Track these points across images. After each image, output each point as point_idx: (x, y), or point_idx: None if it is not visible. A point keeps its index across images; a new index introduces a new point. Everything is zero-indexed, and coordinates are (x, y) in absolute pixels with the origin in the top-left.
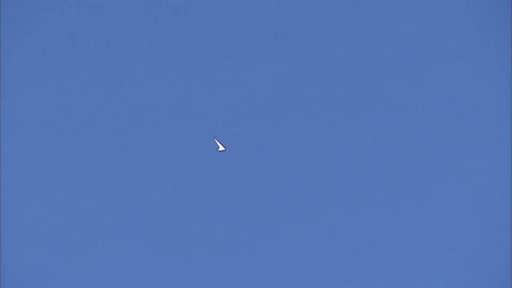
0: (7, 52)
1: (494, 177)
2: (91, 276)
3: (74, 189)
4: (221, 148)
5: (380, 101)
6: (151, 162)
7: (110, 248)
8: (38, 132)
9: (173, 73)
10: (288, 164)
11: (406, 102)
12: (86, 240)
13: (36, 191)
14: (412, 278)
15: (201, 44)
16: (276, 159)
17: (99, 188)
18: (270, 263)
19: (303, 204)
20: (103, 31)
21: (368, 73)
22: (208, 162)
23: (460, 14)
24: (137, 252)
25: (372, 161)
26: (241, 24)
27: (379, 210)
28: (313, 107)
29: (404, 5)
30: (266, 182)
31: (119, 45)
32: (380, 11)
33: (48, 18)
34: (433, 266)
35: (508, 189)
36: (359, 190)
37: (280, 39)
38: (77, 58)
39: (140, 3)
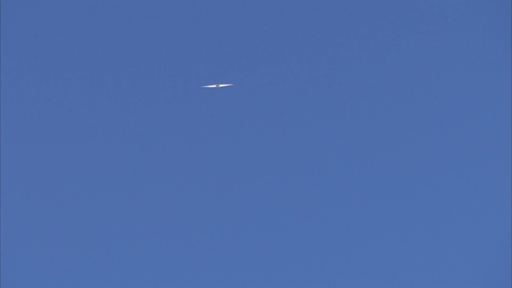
0: (7, 52)
1: (494, 177)
2: (91, 276)
3: (74, 189)
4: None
5: (379, 100)
6: (151, 162)
7: (110, 248)
8: (38, 132)
9: (174, 73)
10: (289, 166)
11: (406, 102)
12: (86, 240)
13: (36, 192)
14: (412, 279)
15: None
16: (277, 160)
17: (99, 188)
18: (270, 266)
19: (303, 205)
20: (102, 31)
21: (367, 73)
22: (206, 162)
23: (460, 13)
24: (138, 253)
25: (371, 160)
26: (239, 24)
27: (378, 210)
28: (313, 107)
29: (404, 4)
30: (266, 184)
31: (118, 46)
32: (379, 10)
33: (47, 17)
34: (433, 266)
35: (508, 189)
36: (358, 190)
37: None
38: (77, 59)
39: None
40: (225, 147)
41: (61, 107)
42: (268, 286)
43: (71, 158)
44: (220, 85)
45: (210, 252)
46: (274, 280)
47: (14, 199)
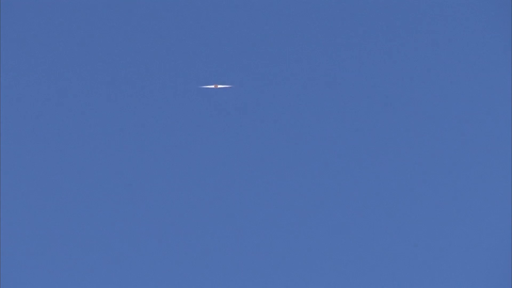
0: (7, 52)
1: (494, 177)
2: (91, 278)
3: (74, 189)
4: (219, 86)
5: (379, 100)
6: (150, 162)
7: (111, 249)
8: (38, 132)
9: (173, 73)
10: (290, 168)
11: (405, 102)
12: (86, 241)
13: (36, 192)
14: (412, 279)
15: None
16: (276, 161)
17: (98, 188)
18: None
19: (302, 206)
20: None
21: (367, 73)
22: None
23: (460, 14)
24: (138, 252)
25: (370, 160)
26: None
27: (377, 210)
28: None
29: (403, 4)
30: (266, 186)
31: (118, 46)
32: (379, 10)
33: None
34: (433, 266)
35: (509, 189)
36: (357, 190)
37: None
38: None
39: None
40: (224, 148)
41: (61, 106)
42: (269, 286)
43: (71, 158)
44: (219, 86)
45: (209, 253)
46: (274, 281)
47: (14, 199)
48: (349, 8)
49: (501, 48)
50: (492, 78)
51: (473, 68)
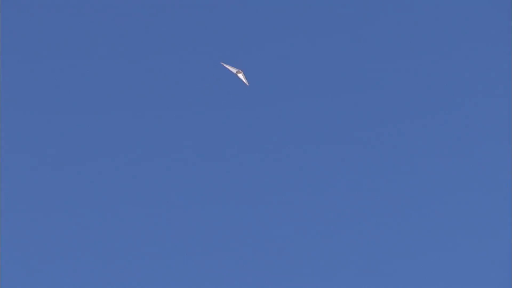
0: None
1: (494, 177)
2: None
3: (75, 189)
4: (233, 70)
5: (381, 101)
6: (153, 166)
7: (110, 250)
8: (38, 131)
9: (174, 72)
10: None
11: (407, 103)
12: (87, 242)
13: (37, 193)
14: (412, 280)
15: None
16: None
17: (100, 183)
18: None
19: (304, 209)
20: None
21: (368, 73)
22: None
23: (460, 13)
24: (139, 251)
25: (370, 161)
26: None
27: (378, 211)
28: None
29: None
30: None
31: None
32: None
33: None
34: (433, 267)
35: (509, 189)
36: (358, 191)
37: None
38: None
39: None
40: (229, 147)
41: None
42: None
43: (73, 151)
44: (239, 75)
45: (213, 250)
46: (274, 281)
47: (15, 200)
48: (353, 8)
49: (501, 48)
50: (492, 78)
51: (473, 67)
